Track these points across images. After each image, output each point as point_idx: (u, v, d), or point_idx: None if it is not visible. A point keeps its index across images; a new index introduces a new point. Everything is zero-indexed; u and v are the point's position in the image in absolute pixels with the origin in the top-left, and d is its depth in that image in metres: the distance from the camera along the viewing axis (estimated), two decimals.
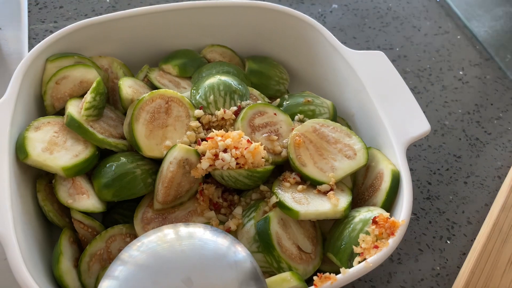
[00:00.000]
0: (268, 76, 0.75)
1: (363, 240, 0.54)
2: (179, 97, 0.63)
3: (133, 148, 0.63)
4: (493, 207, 0.74)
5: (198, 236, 0.50)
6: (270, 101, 0.71)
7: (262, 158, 0.59)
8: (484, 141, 0.83)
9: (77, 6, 0.92)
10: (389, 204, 0.60)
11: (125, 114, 0.65)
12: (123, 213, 0.62)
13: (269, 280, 0.51)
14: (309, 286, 0.51)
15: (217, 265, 0.48)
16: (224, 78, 0.67)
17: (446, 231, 0.72)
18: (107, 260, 0.57)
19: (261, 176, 0.59)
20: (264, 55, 0.79)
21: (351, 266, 0.53)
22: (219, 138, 0.58)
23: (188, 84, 0.72)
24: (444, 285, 0.67)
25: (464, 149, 0.82)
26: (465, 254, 0.70)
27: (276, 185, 0.60)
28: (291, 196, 0.58)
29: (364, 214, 0.57)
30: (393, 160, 0.62)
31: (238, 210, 0.59)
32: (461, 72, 0.93)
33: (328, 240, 0.59)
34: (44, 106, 0.65)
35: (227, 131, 0.63)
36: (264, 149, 0.60)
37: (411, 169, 0.77)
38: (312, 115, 0.68)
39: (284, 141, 0.63)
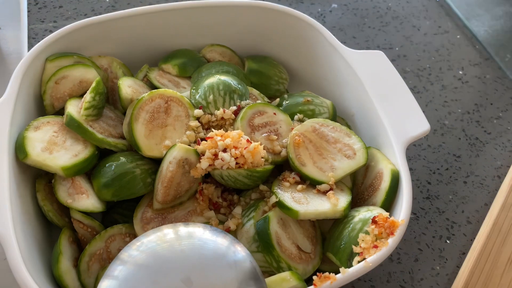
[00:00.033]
0: (268, 75, 0.75)
1: (363, 240, 0.54)
2: (179, 96, 0.63)
3: (132, 148, 0.63)
4: (493, 206, 0.74)
5: (198, 236, 0.50)
6: (269, 101, 0.71)
7: (262, 157, 0.59)
8: (483, 140, 0.83)
9: (77, 6, 0.92)
10: (389, 204, 0.60)
11: (124, 113, 0.65)
12: (122, 212, 0.62)
13: (269, 280, 0.51)
14: (309, 285, 0.51)
15: (216, 264, 0.48)
16: (223, 77, 0.67)
17: (445, 230, 0.72)
18: (106, 259, 0.57)
19: (261, 176, 0.59)
20: (264, 54, 0.79)
21: (350, 265, 0.53)
22: (219, 137, 0.58)
23: (187, 84, 0.72)
24: (444, 285, 0.67)
25: (463, 148, 0.82)
26: (464, 253, 0.70)
27: (275, 184, 0.60)
28: (291, 196, 0.58)
29: (363, 213, 0.57)
30: (392, 160, 0.62)
31: (237, 210, 0.59)
32: (460, 72, 0.93)
33: (328, 239, 0.59)
34: (43, 105, 0.65)
35: (226, 130, 0.63)
36: (264, 149, 0.60)
37: (410, 169, 0.77)
38: (312, 114, 0.68)
39: (283, 140, 0.63)
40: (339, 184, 0.61)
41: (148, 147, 0.60)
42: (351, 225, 0.57)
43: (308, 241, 0.58)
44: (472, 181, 0.78)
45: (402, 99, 0.66)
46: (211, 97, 0.64)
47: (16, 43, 0.84)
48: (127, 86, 0.65)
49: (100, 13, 0.89)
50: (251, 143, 0.58)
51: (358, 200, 0.63)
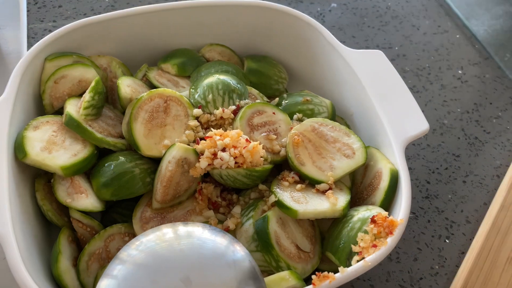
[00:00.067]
0: (267, 75, 0.75)
1: (362, 239, 0.54)
2: (178, 96, 0.63)
3: (131, 147, 0.63)
4: (492, 206, 0.75)
5: (197, 235, 0.50)
6: (268, 100, 0.71)
7: (261, 157, 0.59)
8: (483, 140, 0.83)
9: (76, 5, 0.92)
10: (388, 203, 0.60)
11: (123, 113, 0.65)
12: (121, 212, 0.62)
13: (268, 279, 0.51)
14: (308, 285, 0.51)
15: (215, 264, 0.48)
16: (223, 77, 0.67)
17: (445, 230, 0.72)
18: (106, 259, 0.57)
19: (260, 175, 0.59)
20: (263, 54, 0.79)
21: (349, 265, 0.53)
22: (218, 137, 0.58)
23: (187, 83, 0.72)
24: (443, 284, 0.67)
25: (463, 148, 0.82)
26: (464, 253, 0.70)
27: (274, 184, 0.60)
28: (290, 195, 0.58)
29: (362, 213, 0.57)
30: (391, 159, 0.62)
31: (236, 209, 0.59)
32: (460, 71, 0.93)
33: (327, 239, 0.59)
34: (42, 105, 0.65)
35: (225, 130, 0.63)
36: (263, 148, 0.60)
37: (410, 168, 0.77)
38: (311, 114, 0.68)
39: (282, 140, 0.63)
40: (338, 183, 0.61)
41: (147, 147, 0.60)
42: (350, 225, 0.57)
43: (307, 241, 0.58)
44: (471, 181, 0.78)
45: (402, 98, 0.66)
46: (210, 96, 0.64)
47: (16, 43, 0.84)
48: (126, 86, 0.65)
49: (100, 13, 0.89)
50: (250, 142, 0.58)
51: (357, 199, 0.63)
